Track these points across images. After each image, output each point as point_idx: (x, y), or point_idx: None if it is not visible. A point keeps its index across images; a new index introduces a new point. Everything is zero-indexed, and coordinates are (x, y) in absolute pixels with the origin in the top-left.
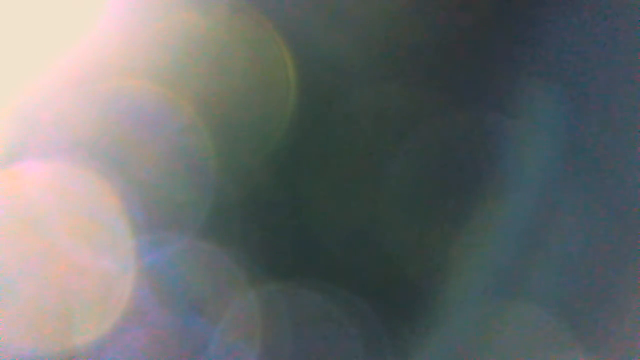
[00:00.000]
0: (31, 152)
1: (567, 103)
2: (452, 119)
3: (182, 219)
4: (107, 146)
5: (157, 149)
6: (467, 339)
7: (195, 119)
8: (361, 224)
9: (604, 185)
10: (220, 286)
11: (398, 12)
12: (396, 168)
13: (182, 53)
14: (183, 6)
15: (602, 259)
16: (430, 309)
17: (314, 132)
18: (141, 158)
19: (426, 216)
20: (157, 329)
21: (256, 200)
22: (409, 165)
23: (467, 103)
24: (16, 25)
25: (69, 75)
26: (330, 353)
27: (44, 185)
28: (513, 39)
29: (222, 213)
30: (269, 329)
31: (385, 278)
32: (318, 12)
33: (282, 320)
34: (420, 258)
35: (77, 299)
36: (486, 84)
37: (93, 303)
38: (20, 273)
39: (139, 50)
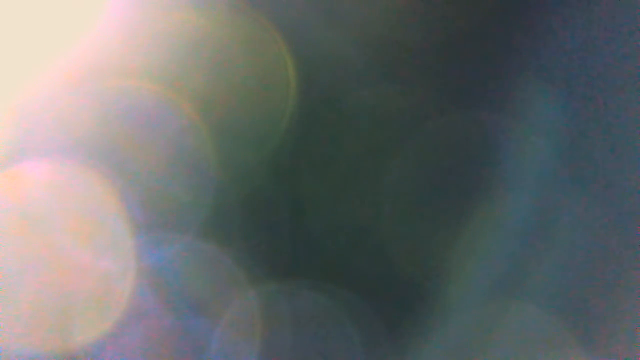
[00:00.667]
0: (31, 152)
1: (568, 104)
2: (452, 120)
3: (182, 219)
4: (107, 146)
5: (157, 149)
6: (468, 339)
7: (195, 119)
8: (361, 224)
9: (604, 186)
10: (220, 286)
11: (398, 12)
12: (396, 168)
13: (182, 53)
14: (183, 6)
15: (602, 260)
16: (431, 309)
17: (313, 132)
18: (141, 158)
19: (426, 216)
20: (157, 329)
21: (256, 200)
22: (409, 165)
23: (467, 103)
24: (16, 25)
25: (69, 75)
26: (330, 353)
27: (44, 185)
28: (513, 40)
29: (222, 213)
30: (269, 329)
31: (385, 278)
32: (318, 12)
33: (282, 320)
34: (420, 258)
35: (77, 299)
36: (486, 84)
37: (93, 303)
38: (21, 273)
39: (139, 50)
